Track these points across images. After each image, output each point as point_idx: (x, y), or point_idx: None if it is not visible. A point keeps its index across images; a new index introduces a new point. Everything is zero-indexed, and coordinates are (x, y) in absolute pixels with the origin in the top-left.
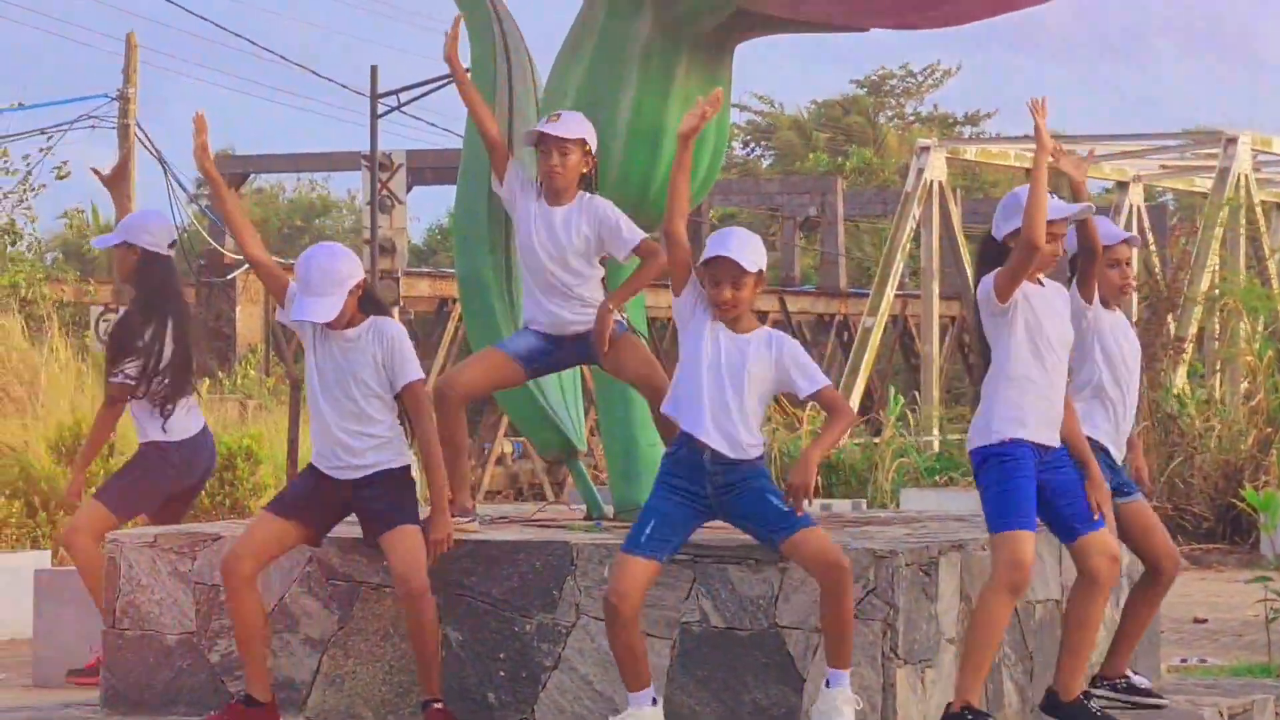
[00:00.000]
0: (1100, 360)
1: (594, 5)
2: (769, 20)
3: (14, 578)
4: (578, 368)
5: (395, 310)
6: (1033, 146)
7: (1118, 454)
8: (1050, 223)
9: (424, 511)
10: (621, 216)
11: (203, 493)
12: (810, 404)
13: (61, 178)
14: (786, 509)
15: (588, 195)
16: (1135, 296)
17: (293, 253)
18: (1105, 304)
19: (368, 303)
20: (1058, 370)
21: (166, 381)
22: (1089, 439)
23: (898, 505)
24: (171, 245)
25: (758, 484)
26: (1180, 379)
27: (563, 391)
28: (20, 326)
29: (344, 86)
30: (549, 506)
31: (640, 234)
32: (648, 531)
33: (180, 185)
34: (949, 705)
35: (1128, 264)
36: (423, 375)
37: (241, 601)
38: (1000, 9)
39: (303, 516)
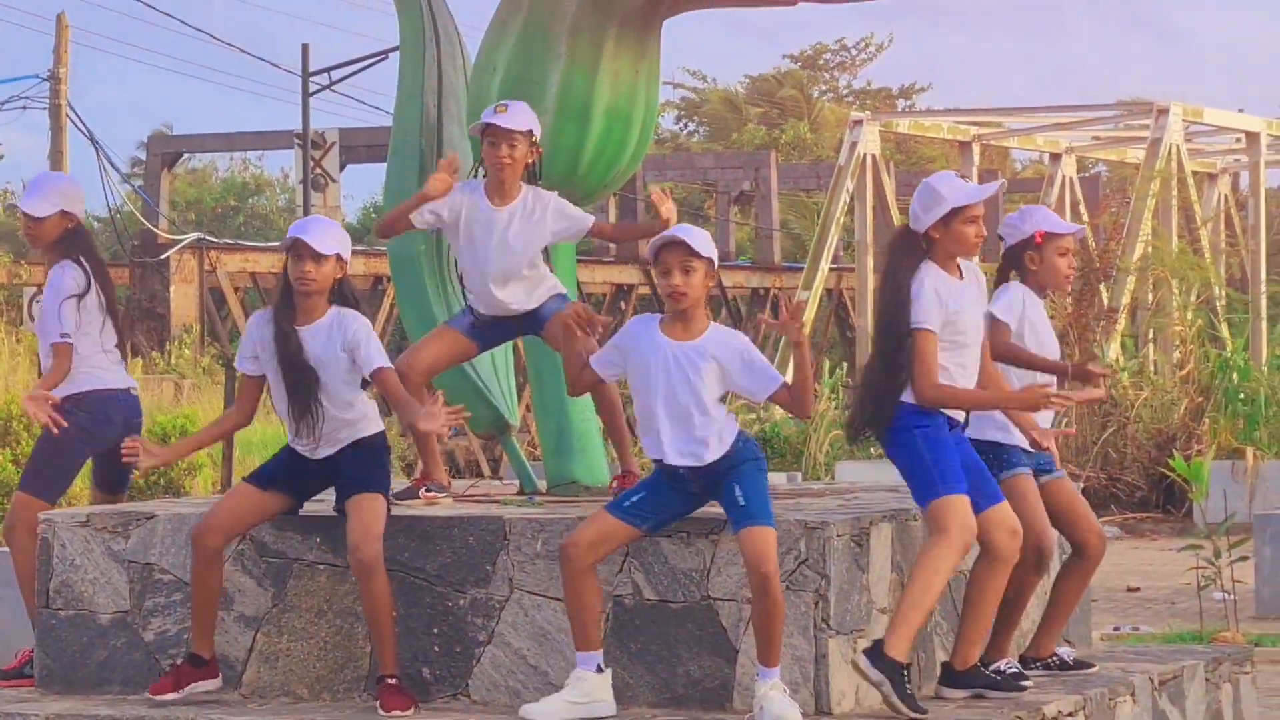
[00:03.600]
0: (1028, 344)
1: None
2: None
3: None
4: (510, 344)
5: None
6: (964, 120)
7: (1039, 435)
8: (967, 207)
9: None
10: (567, 204)
11: (135, 473)
12: None
13: None
14: (743, 503)
15: (532, 192)
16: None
17: (226, 232)
18: (1041, 293)
19: (338, 294)
20: (970, 357)
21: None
22: (998, 444)
23: (833, 477)
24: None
25: (733, 477)
26: (1114, 349)
27: (495, 367)
28: None
29: (275, 65)
30: (481, 482)
31: (589, 217)
32: (634, 499)
33: (113, 165)
34: (874, 643)
35: (1075, 254)
36: (389, 364)
37: (206, 573)
38: None
39: (282, 488)
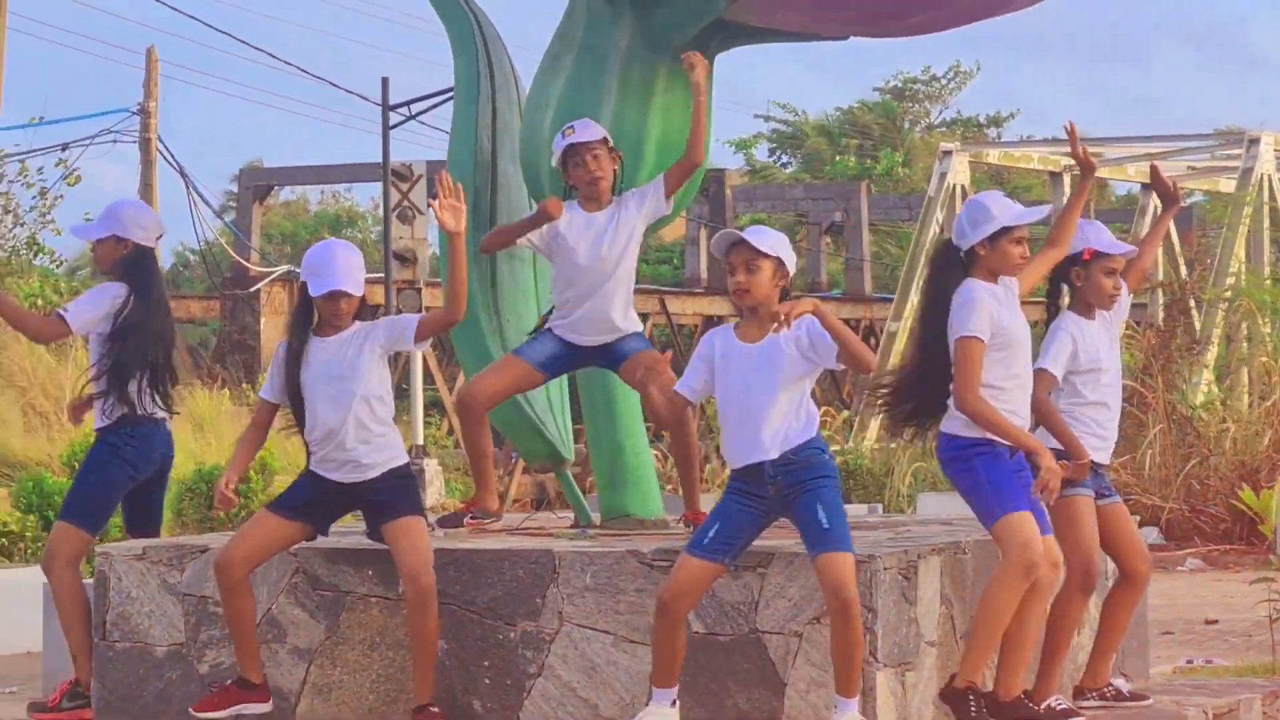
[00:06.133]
0: (1083, 370)
1: (574, 17)
2: (748, 30)
3: (29, 592)
4: (566, 377)
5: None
6: (1055, 150)
7: (1104, 458)
8: (1015, 227)
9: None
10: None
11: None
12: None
13: (72, 184)
14: (826, 526)
15: (619, 197)
16: (1160, 295)
17: None
18: (1089, 312)
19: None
20: (1022, 365)
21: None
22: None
23: (914, 510)
24: (159, 239)
25: (813, 492)
26: (1205, 380)
27: (550, 401)
28: None
29: (362, 98)
30: (536, 515)
31: (659, 178)
32: (711, 534)
33: (203, 199)
34: (952, 678)
35: (1122, 274)
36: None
37: (235, 601)
38: (976, 16)
39: (306, 517)
